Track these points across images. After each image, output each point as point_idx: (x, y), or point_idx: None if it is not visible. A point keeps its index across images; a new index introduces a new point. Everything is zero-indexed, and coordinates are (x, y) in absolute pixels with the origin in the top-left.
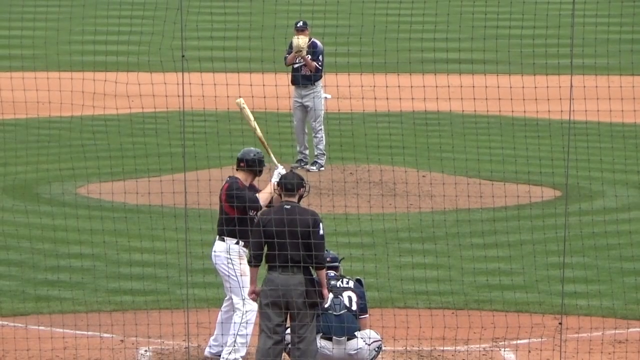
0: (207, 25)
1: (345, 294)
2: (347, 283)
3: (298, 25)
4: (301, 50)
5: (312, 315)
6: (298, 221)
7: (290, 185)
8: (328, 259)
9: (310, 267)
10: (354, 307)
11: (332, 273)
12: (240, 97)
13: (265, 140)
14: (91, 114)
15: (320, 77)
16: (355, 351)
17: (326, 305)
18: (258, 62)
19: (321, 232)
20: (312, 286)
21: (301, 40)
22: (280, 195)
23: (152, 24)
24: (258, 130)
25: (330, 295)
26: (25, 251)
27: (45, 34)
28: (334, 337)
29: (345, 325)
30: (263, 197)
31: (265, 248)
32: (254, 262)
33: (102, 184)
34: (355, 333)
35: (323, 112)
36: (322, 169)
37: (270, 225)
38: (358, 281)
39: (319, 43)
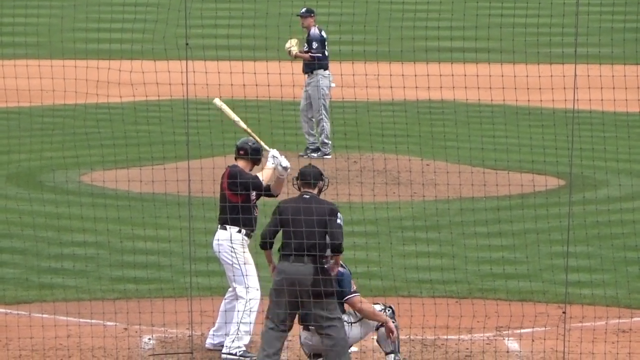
0: (211, 13)
1: None
2: None
3: (300, 12)
4: (290, 52)
5: (335, 305)
6: (314, 210)
7: (308, 178)
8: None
9: (322, 258)
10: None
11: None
12: (215, 98)
13: (252, 131)
14: (95, 102)
15: (320, 66)
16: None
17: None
18: (262, 50)
19: (338, 220)
20: (324, 276)
21: (289, 43)
22: (299, 188)
23: (156, 12)
24: (242, 123)
25: None
26: (29, 239)
27: (49, 21)
28: (310, 328)
29: None
30: (264, 175)
31: (282, 236)
32: (266, 246)
33: (105, 172)
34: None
35: (323, 102)
36: (327, 157)
37: (288, 213)
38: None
39: (313, 30)
